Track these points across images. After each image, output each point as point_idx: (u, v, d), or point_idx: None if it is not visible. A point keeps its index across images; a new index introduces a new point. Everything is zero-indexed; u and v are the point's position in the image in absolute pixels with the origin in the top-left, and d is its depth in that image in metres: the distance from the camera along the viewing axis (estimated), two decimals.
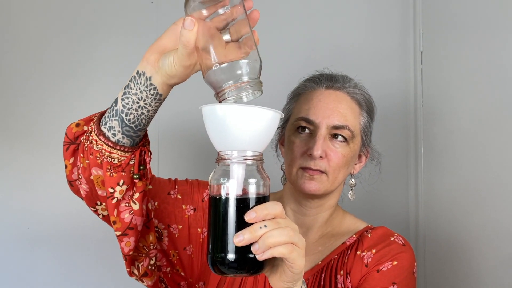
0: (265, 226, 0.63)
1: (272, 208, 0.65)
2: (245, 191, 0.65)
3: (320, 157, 0.93)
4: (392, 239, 0.96)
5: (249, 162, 0.65)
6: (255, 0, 0.69)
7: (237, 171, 0.64)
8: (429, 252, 1.47)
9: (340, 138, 0.95)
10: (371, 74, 1.55)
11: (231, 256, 0.64)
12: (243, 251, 0.64)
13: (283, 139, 1.04)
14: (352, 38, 1.57)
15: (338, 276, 0.94)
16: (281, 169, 1.06)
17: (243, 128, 0.64)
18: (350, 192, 1.04)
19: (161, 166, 1.42)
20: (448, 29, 1.42)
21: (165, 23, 1.42)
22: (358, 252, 0.95)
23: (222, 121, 0.64)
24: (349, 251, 0.97)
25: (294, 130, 0.98)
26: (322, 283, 0.95)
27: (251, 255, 0.64)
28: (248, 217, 0.63)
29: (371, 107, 1.03)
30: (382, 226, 1.01)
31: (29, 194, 1.34)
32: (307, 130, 0.96)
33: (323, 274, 0.96)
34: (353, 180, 1.04)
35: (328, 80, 0.99)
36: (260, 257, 0.64)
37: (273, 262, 0.70)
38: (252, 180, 0.65)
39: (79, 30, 1.41)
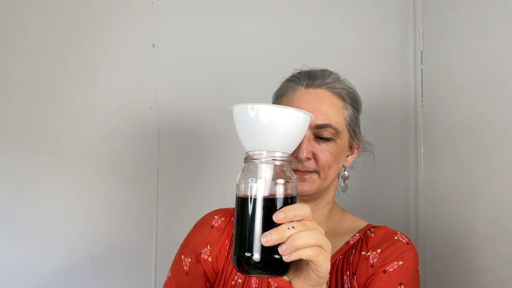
0: (293, 227, 0.62)
1: (300, 209, 0.64)
2: (272, 192, 0.64)
3: (308, 158, 0.91)
4: (396, 238, 0.95)
5: (277, 162, 0.64)
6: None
7: (266, 171, 0.63)
8: (429, 250, 1.48)
9: (324, 137, 0.93)
10: (371, 74, 1.56)
11: (257, 256, 0.63)
12: (270, 251, 0.63)
13: None
14: (352, 38, 1.57)
15: (345, 277, 0.94)
16: None
17: (274, 128, 0.63)
18: (343, 184, 1.02)
19: (161, 164, 1.41)
20: (448, 29, 1.42)
21: (165, 23, 1.42)
22: (363, 253, 0.94)
23: (253, 120, 0.63)
24: (353, 251, 0.96)
25: None
26: (328, 283, 0.94)
27: (277, 256, 0.63)
28: (277, 217, 0.63)
29: (355, 98, 1.00)
30: (383, 226, 1.00)
31: (30, 194, 1.31)
32: None
33: (329, 275, 0.94)
34: (346, 172, 1.02)
35: (307, 79, 0.96)
36: (286, 258, 0.63)
37: (297, 266, 0.69)
38: (280, 181, 0.64)
39: (78, 31, 1.38)
